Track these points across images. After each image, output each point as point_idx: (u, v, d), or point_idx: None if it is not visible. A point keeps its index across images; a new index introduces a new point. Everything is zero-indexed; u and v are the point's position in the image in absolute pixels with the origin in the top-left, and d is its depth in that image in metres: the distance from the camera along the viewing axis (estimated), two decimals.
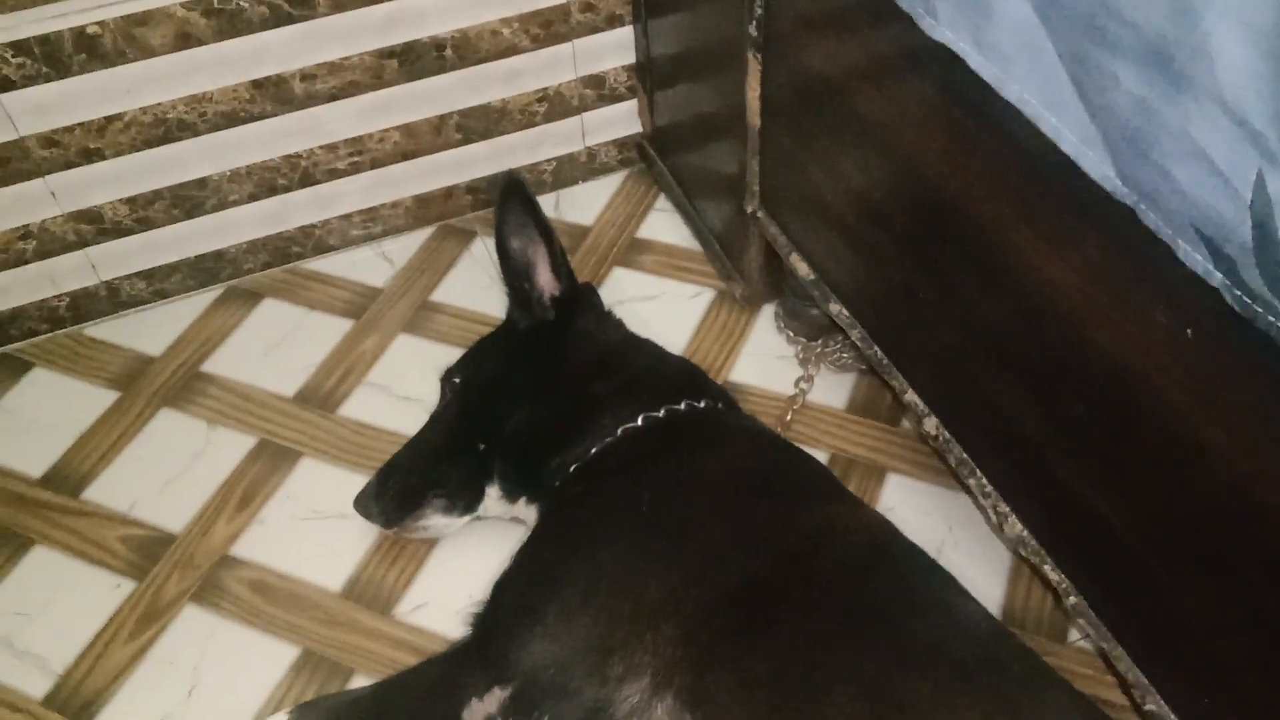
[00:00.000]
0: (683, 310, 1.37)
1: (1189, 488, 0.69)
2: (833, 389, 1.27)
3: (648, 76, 1.47)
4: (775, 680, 0.79)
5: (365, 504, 1.09)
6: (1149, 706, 0.78)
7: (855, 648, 0.81)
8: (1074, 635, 1.02)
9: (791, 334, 1.30)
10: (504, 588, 0.91)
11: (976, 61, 0.68)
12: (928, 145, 0.86)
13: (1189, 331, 0.63)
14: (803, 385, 1.25)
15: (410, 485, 1.07)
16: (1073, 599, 0.85)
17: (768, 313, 1.36)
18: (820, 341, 1.27)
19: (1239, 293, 0.54)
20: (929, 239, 0.90)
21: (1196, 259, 0.56)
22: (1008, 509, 0.90)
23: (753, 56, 1.09)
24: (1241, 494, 0.63)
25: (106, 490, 1.23)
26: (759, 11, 1.05)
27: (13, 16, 1.17)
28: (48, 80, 1.22)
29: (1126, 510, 0.75)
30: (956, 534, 1.11)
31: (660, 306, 1.38)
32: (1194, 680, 0.75)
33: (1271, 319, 0.53)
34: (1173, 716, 0.77)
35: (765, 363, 1.30)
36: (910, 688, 0.78)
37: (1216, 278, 0.55)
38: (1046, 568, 0.87)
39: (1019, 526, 0.89)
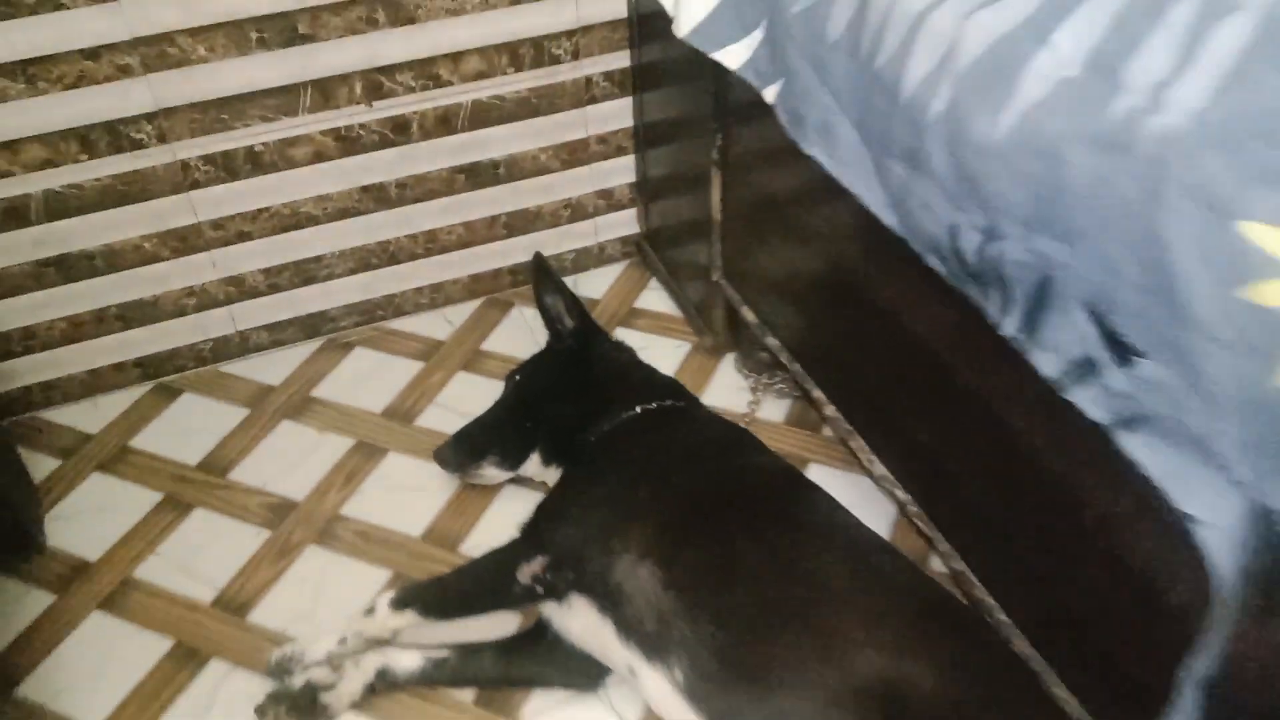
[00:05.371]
0: (668, 357, 1.87)
1: (974, 430, 1.17)
2: (774, 409, 1.75)
3: (644, 191, 2.01)
4: (716, 551, 1.24)
5: (443, 454, 1.57)
6: (956, 565, 1.24)
7: (770, 536, 1.26)
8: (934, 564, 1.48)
9: (746, 371, 1.79)
10: (544, 504, 1.38)
11: (829, 165, 1.18)
12: (834, 230, 1.37)
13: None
14: (753, 406, 1.73)
15: (476, 445, 1.56)
16: (911, 505, 1.31)
17: (729, 359, 1.85)
18: (765, 376, 1.76)
19: (955, 277, 1.03)
20: (837, 295, 1.40)
21: (935, 262, 1.05)
22: (895, 481, 1.37)
23: (715, 173, 1.62)
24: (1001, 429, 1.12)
25: (245, 472, 1.69)
26: (719, 144, 1.59)
27: (207, 138, 1.69)
28: (223, 182, 1.74)
29: (964, 460, 1.23)
30: (853, 504, 1.56)
31: (651, 355, 1.84)
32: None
33: (973, 291, 1.01)
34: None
35: (728, 392, 1.79)
36: (805, 558, 1.23)
37: (942, 270, 1.04)
38: (914, 513, 1.33)
39: (904, 495, 1.36)
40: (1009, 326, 0.91)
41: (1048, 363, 0.88)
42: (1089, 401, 0.84)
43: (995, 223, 0.87)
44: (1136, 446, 0.80)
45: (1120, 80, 0.85)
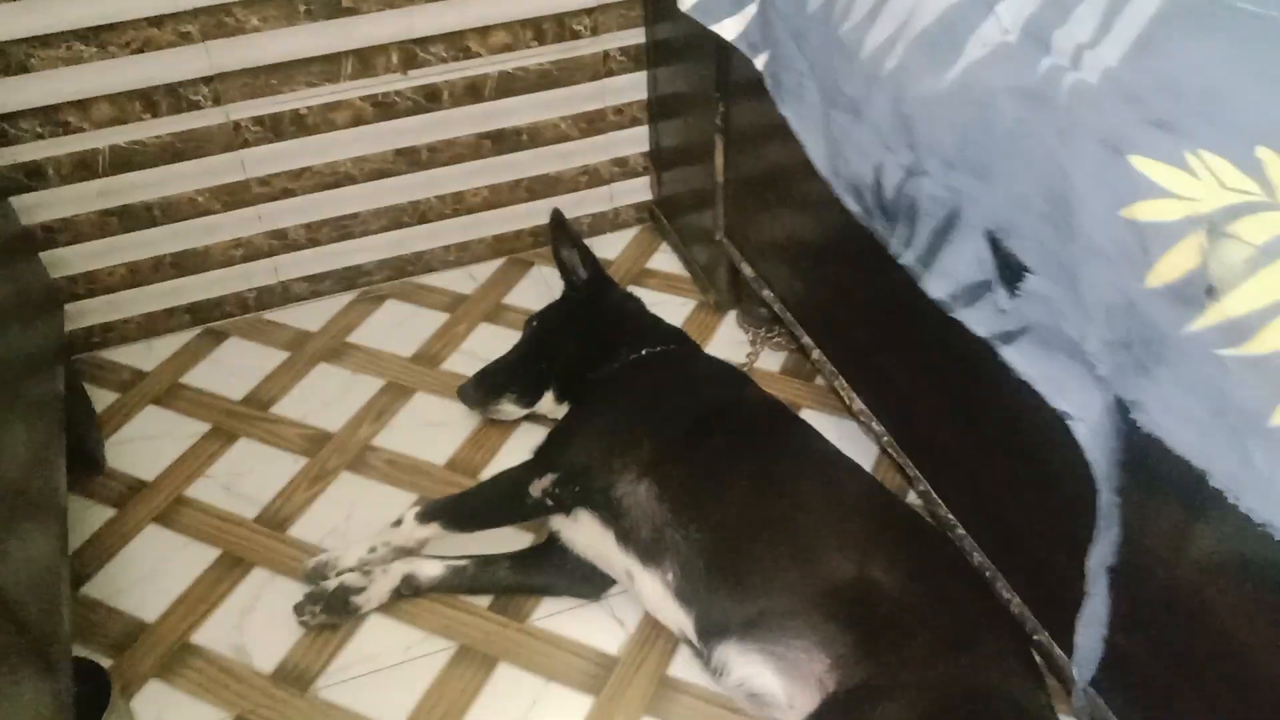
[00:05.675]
0: (676, 313, 2.01)
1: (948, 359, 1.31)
2: (771, 360, 1.89)
3: (657, 160, 2.15)
4: (708, 470, 1.39)
5: (464, 391, 1.72)
6: (922, 488, 1.39)
7: (757, 457, 1.41)
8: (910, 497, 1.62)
9: (746, 325, 1.94)
10: (555, 429, 1.53)
11: (793, 122, 1.31)
12: (824, 195, 1.50)
13: None
14: (751, 356, 1.88)
15: (495, 383, 1.71)
16: (885, 436, 1.46)
17: (731, 316, 2.00)
18: (764, 330, 1.91)
19: (867, 214, 1.16)
20: (826, 252, 1.54)
21: (851, 202, 1.18)
22: (871, 415, 1.51)
23: (719, 139, 1.76)
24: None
25: (285, 408, 1.86)
26: (721, 112, 1.73)
27: (257, 101, 1.86)
28: (270, 142, 1.90)
29: (928, 394, 1.37)
30: (840, 444, 1.70)
31: (660, 311, 1.98)
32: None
33: (880, 226, 1.15)
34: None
35: (729, 345, 1.93)
36: (787, 477, 1.38)
37: (857, 211, 1.18)
38: (887, 443, 1.47)
39: (879, 427, 1.50)
40: (908, 257, 1.06)
41: (939, 286, 1.02)
42: (975, 321, 0.99)
43: (920, 161, 1.02)
44: (1014, 356, 0.94)
45: (1049, 44, 0.99)
